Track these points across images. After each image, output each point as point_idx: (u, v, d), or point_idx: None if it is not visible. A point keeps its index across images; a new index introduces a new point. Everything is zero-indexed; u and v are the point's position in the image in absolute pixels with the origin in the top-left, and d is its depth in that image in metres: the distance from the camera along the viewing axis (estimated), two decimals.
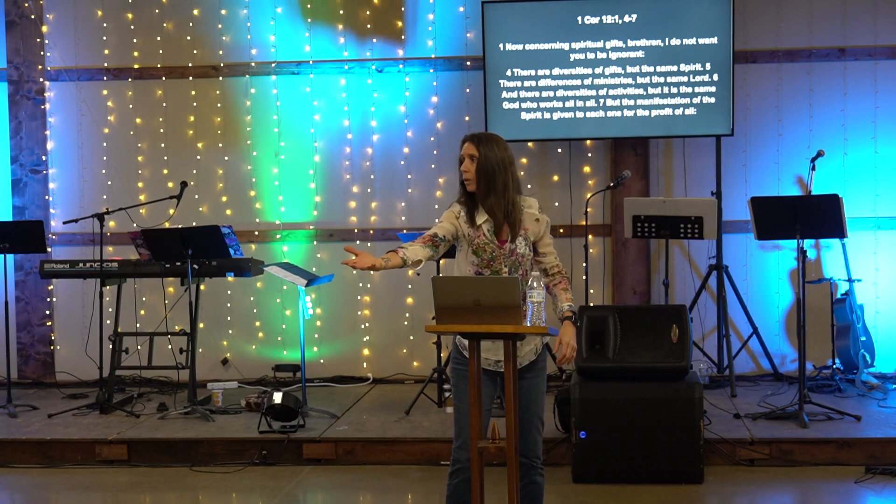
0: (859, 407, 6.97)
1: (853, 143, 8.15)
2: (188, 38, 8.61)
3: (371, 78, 8.50)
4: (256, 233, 8.59)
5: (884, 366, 7.97)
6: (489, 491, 4.30)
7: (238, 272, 7.62)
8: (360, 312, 8.58)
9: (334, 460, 6.59)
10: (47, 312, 8.72)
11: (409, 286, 8.49)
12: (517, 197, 4.31)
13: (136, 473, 6.54)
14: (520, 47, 8.01)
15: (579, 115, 8.00)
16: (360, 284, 8.55)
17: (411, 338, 8.51)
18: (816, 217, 6.68)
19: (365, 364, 8.58)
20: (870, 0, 8.12)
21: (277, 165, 8.60)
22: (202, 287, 7.76)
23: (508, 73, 8.03)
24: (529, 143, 8.31)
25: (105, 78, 8.67)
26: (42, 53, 8.66)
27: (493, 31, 8.02)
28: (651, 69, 7.91)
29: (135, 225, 8.17)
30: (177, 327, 8.03)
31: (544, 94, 8.02)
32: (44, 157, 8.67)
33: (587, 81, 7.98)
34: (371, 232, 8.52)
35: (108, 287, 8.04)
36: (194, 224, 8.17)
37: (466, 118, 8.40)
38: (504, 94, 8.05)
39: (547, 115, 8.03)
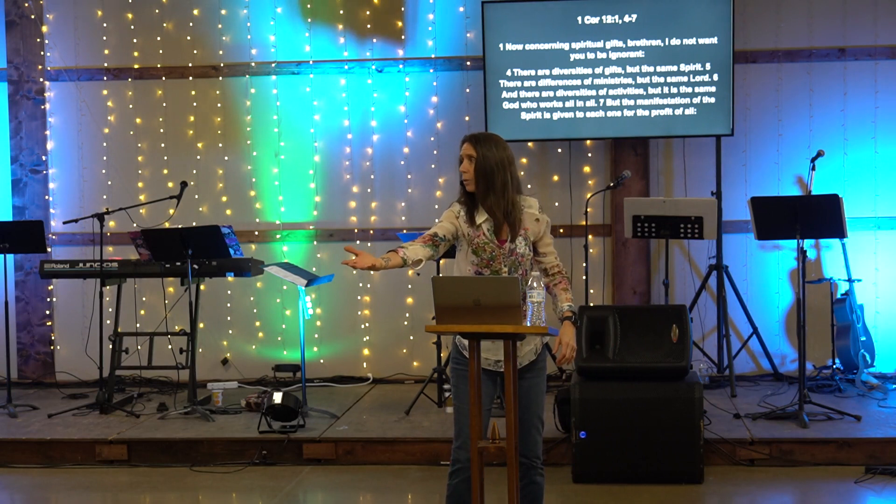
0: (859, 407, 6.96)
1: (853, 143, 8.15)
2: (188, 38, 8.61)
3: (371, 78, 8.50)
4: (256, 233, 8.59)
5: (884, 366, 7.97)
6: (489, 491, 4.30)
7: (238, 272, 7.62)
8: (360, 312, 8.57)
9: (334, 460, 6.59)
10: (47, 312, 8.72)
11: (409, 286, 8.49)
12: (517, 197, 4.31)
13: (136, 473, 6.53)
14: (520, 47, 8.01)
15: (579, 115, 8.00)
16: (360, 284, 8.55)
17: (411, 338, 8.51)
18: (816, 217, 6.67)
19: (365, 364, 8.58)
20: (870, 0, 8.13)
21: (277, 165, 8.60)
22: (202, 287, 7.76)
23: (508, 73, 8.03)
24: (529, 143, 8.31)
25: (105, 78, 8.67)
26: (42, 53, 8.66)
27: (493, 31, 8.01)
28: (651, 69, 7.91)
29: (135, 225, 8.17)
30: (177, 327, 8.03)
31: (544, 94, 8.01)
32: (44, 157, 8.67)
33: (587, 81, 7.98)
34: (371, 232, 8.51)
35: (108, 287, 8.04)
36: (194, 224, 8.16)
37: (466, 118, 8.40)
38: (504, 94, 8.05)
39: (547, 115, 8.03)
